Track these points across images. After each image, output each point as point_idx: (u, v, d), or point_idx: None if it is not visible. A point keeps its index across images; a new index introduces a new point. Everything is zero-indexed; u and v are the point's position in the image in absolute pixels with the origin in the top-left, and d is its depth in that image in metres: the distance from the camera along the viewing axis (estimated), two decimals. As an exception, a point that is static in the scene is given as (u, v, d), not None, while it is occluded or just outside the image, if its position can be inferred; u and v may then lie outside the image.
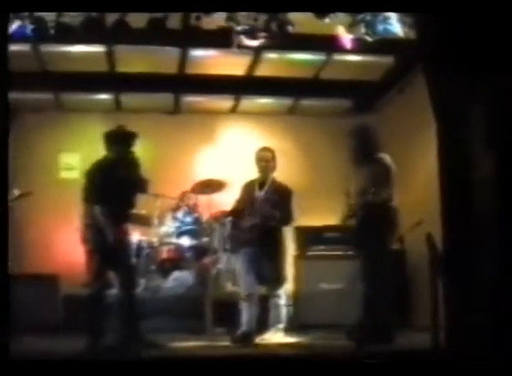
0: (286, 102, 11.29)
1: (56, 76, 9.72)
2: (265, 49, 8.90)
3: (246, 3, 6.84)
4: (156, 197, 9.45)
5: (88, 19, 7.22)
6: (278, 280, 7.83)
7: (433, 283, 6.50)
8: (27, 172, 10.16)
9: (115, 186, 7.03)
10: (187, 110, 11.31)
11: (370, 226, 7.01)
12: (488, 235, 6.15)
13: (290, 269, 8.92)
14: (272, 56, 9.46)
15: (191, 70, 9.89)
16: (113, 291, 7.31)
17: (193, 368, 5.33)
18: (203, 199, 9.98)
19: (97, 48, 9.08)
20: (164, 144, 10.85)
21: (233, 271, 8.41)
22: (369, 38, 7.61)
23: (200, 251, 9.37)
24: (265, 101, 11.25)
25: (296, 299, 9.18)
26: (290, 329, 8.10)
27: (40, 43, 8.65)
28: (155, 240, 9.43)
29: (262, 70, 9.93)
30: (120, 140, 7.30)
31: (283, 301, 7.91)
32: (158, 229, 9.53)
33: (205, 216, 9.64)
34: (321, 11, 7.25)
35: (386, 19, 7.52)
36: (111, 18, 7.37)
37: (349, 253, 8.54)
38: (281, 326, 7.84)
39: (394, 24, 7.54)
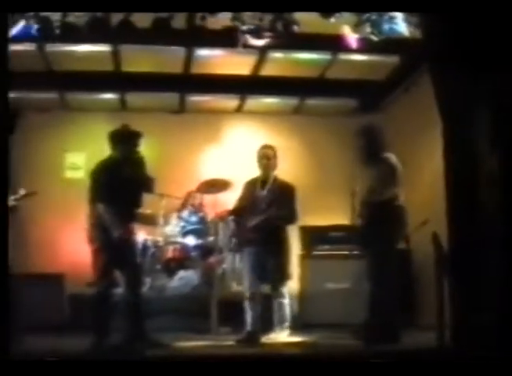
0: (291, 101, 11.28)
1: (62, 76, 9.73)
2: (271, 49, 8.90)
3: (251, 3, 6.84)
4: (162, 197, 9.45)
5: (94, 18, 7.23)
6: (282, 279, 7.81)
7: (439, 282, 6.50)
8: (32, 172, 10.20)
9: (120, 186, 7.03)
10: (192, 109, 11.31)
11: (377, 226, 7.00)
12: (494, 234, 6.14)
13: (295, 268, 8.94)
14: (277, 55, 9.45)
15: (196, 69, 9.89)
16: (119, 290, 7.31)
17: (198, 368, 5.32)
18: (208, 198, 9.98)
19: (102, 48, 9.08)
20: (170, 144, 10.85)
21: (239, 270, 8.41)
22: (374, 38, 7.61)
23: (205, 251, 9.37)
24: (270, 100, 11.24)
25: (302, 299, 9.19)
26: (295, 328, 8.09)
27: (45, 43, 8.67)
28: (160, 239, 9.42)
29: (268, 70, 9.93)
30: (125, 140, 7.30)
31: (287, 300, 7.90)
32: (163, 229, 9.52)
33: (210, 216, 9.64)
34: (326, 10, 7.25)
35: (392, 19, 7.51)
36: (116, 18, 7.38)
37: (355, 252, 8.56)
38: (286, 325, 7.84)
39: (400, 24, 7.54)
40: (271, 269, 7.72)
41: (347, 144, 7.77)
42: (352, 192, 7.44)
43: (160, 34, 7.55)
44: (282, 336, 7.75)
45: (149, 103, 10.98)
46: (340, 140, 10.03)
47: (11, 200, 7.85)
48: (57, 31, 7.30)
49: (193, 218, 9.56)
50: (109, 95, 10.81)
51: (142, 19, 7.34)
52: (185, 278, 9.28)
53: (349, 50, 8.19)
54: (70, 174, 10.91)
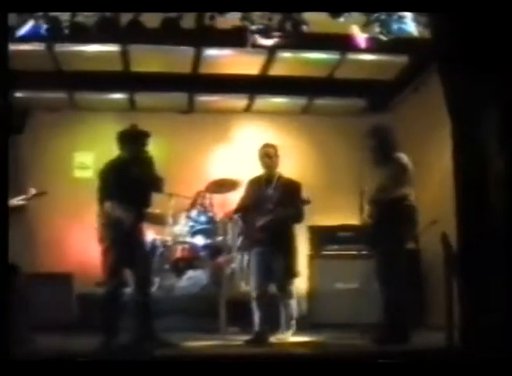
0: (300, 101, 11.26)
1: (71, 75, 9.72)
2: (280, 49, 8.89)
3: (260, 3, 6.84)
4: (171, 197, 9.45)
5: (103, 18, 7.24)
6: (289, 278, 7.81)
7: (448, 282, 6.49)
8: (40, 171, 10.24)
9: (129, 185, 7.04)
10: (201, 109, 11.30)
11: (387, 224, 6.99)
12: (503, 234, 6.12)
13: (304, 268, 8.93)
14: (286, 55, 9.44)
15: (205, 69, 9.88)
16: (128, 290, 7.32)
17: (207, 367, 5.33)
18: (217, 198, 9.97)
19: (111, 48, 9.08)
20: (178, 143, 10.85)
21: (247, 270, 8.41)
22: (383, 37, 7.59)
23: (214, 251, 9.36)
24: (279, 100, 11.22)
25: (310, 299, 9.19)
26: (304, 328, 8.09)
27: (54, 43, 8.66)
28: (169, 239, 9.41)
29: (276, 70, 9.92)
30: (133, 139, 7.32)
31: (294, 300, 7.90)
32: (172, 228, 9.51)
33: (219, 215, 9.64)
34: (335, 10, 7.25)
35: (400, 19, 7.50)
36: (125, 18, 7.39)
37: (363, 252, 8.55)
38: (294, 325, 7.84)
39: (409, 23, 7.52)
40: (278, 268, 7.72)
41: (355, 144, 7.75)
42: (361, 191, 7.43)
43: (169, 34, 7.56)
44: (290, 336, 7.75)
45: (158, 102, 10.99)
46: (349, 140, 10.02)
47: (20, 200, 7.89)
48: (66, 31, 7.30)
49: (202, 218, 9.55)
50: (118, 95, 10.82)
51: (151, 19, 7.35)
52: (194, 278, 9.28)
53: (358, 50, 8.17)
54: (78, 173, 10.91)
